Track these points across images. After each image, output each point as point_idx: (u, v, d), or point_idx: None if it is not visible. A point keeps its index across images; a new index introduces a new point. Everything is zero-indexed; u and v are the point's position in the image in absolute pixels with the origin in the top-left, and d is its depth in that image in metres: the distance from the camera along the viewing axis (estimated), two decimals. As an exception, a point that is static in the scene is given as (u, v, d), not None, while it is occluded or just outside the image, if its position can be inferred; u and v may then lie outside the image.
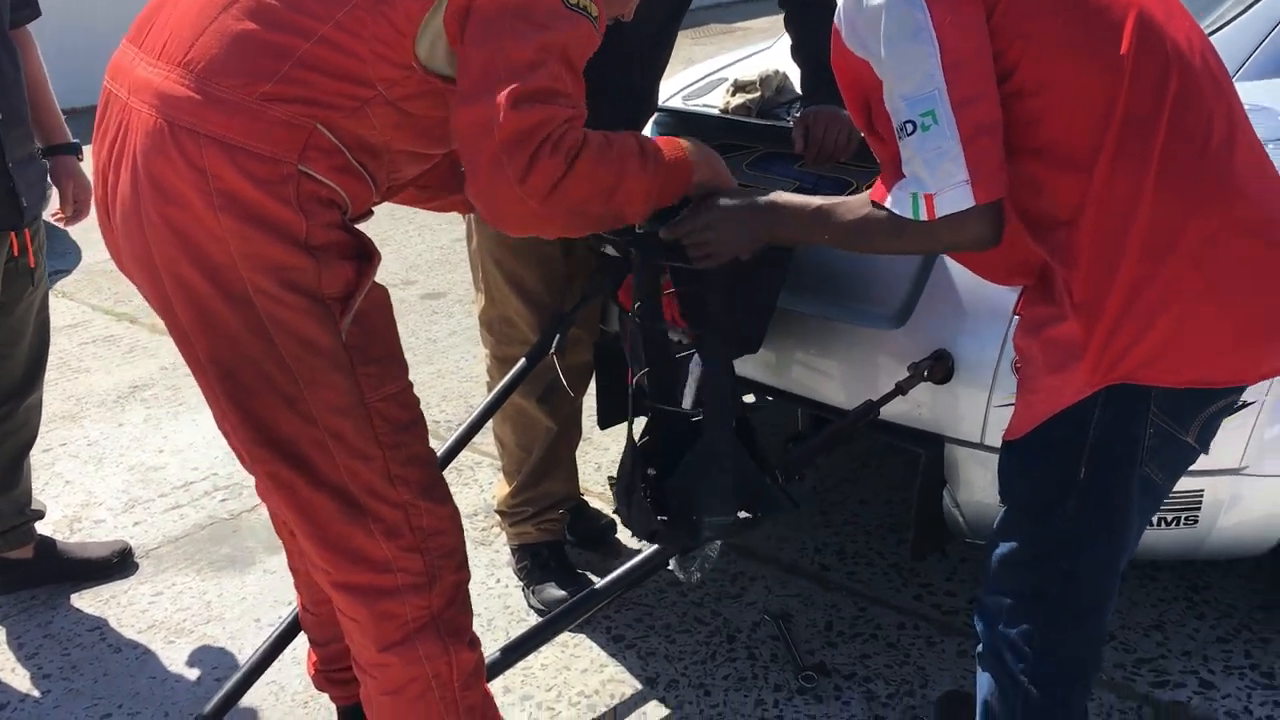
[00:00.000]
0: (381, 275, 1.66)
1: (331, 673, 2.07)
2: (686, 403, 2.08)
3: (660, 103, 2.72)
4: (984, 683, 1.69)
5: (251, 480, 3.26)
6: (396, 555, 1.66)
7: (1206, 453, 1.59)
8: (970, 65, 1.39)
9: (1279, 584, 2.45)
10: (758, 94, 2.53)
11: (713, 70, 2.94)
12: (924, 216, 1.42)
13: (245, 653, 2.50)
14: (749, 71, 2.63)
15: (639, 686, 2.36)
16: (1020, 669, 1.61)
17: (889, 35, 1.40)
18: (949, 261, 2.05)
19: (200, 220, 1.50)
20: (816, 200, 1.62)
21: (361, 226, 1.67)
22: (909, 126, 1.40)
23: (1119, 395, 1.48)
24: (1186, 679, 2.29)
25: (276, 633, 2.05)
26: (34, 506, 2.74)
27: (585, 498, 2.91)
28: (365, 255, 1.59)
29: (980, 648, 1.68)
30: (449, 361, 3.97)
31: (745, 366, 2.27)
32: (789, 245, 1.94)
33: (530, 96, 1.50)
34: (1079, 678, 1.64)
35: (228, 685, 2.02)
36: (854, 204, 1.56)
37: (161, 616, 2.65)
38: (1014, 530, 1.63)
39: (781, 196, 1.69)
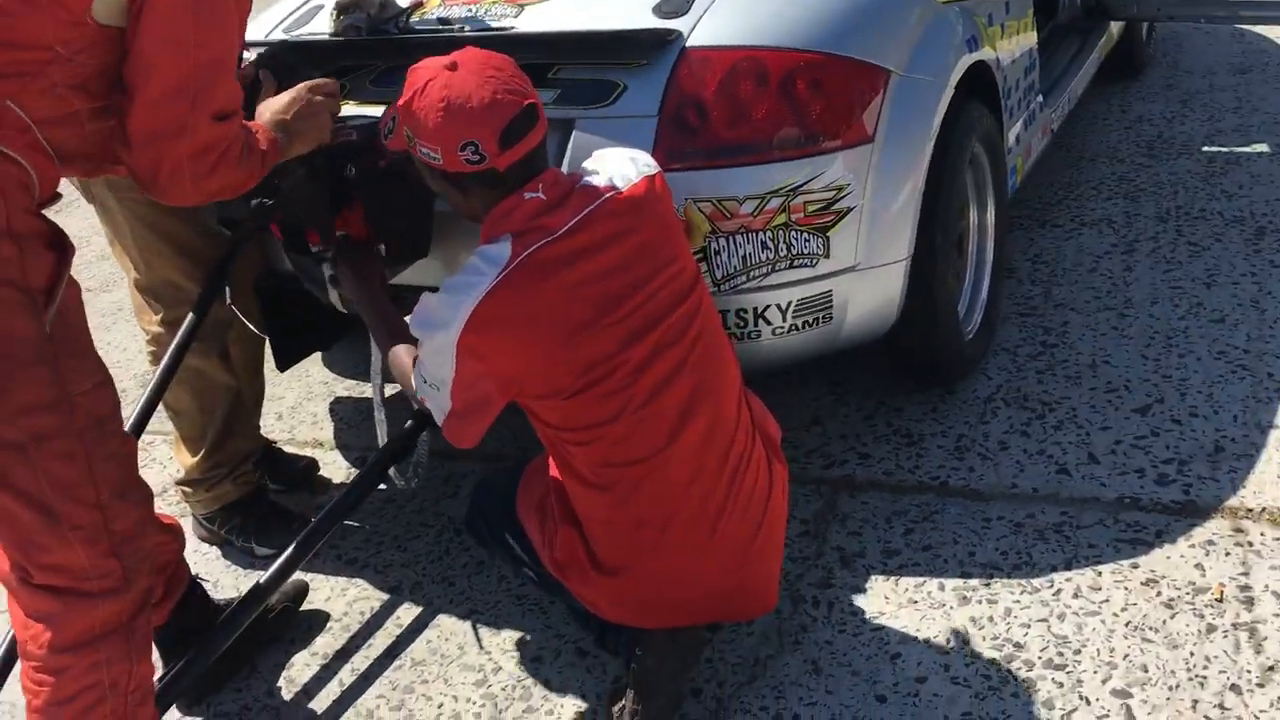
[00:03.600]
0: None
1: None
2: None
3: (263, 36, 2.72)
4: None
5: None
6: (95, 562, 1.67)
7: None
8: (466, 390, 1.82)
9: (896, 363, 2.89)
10: (363, 13, 2.57)
11: (304, 1, 2.92)
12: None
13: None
14: (348, -7, 2.65)
15: (385, 597, 2.45)
16: None
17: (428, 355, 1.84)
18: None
19: None
20: (394, 317, 2.07)
21: None
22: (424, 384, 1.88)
23: None
24: (848, 455, 2.69)
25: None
26: None
27: (277, 445, 2.91)
28: (62, 246, 1.58)
29: None
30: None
31: (423, 276, 2.35)
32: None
33: (223, 112, 1.67)
34: None
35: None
36: (402, 352, 1.99)
37: None
38: None
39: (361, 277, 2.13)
